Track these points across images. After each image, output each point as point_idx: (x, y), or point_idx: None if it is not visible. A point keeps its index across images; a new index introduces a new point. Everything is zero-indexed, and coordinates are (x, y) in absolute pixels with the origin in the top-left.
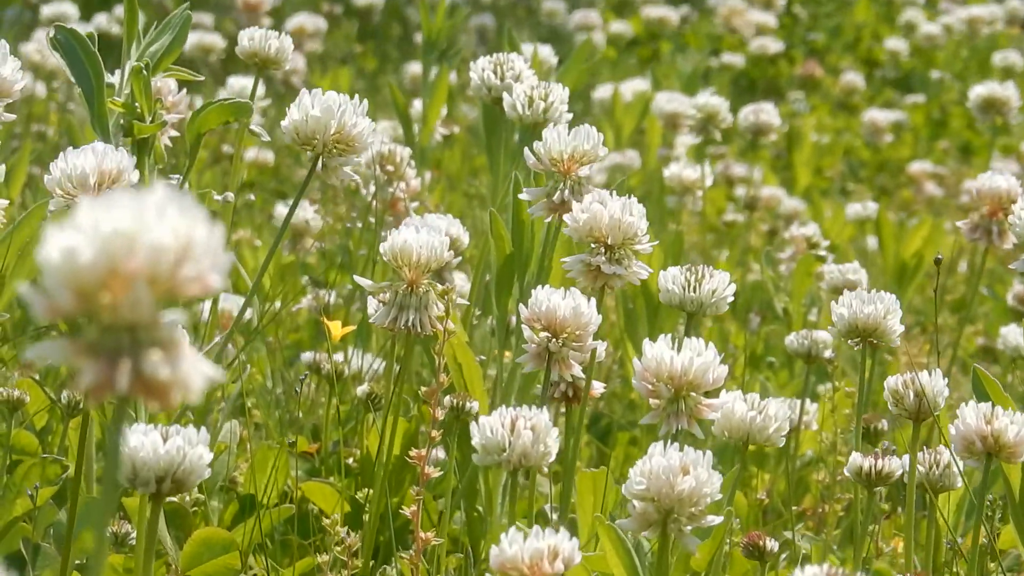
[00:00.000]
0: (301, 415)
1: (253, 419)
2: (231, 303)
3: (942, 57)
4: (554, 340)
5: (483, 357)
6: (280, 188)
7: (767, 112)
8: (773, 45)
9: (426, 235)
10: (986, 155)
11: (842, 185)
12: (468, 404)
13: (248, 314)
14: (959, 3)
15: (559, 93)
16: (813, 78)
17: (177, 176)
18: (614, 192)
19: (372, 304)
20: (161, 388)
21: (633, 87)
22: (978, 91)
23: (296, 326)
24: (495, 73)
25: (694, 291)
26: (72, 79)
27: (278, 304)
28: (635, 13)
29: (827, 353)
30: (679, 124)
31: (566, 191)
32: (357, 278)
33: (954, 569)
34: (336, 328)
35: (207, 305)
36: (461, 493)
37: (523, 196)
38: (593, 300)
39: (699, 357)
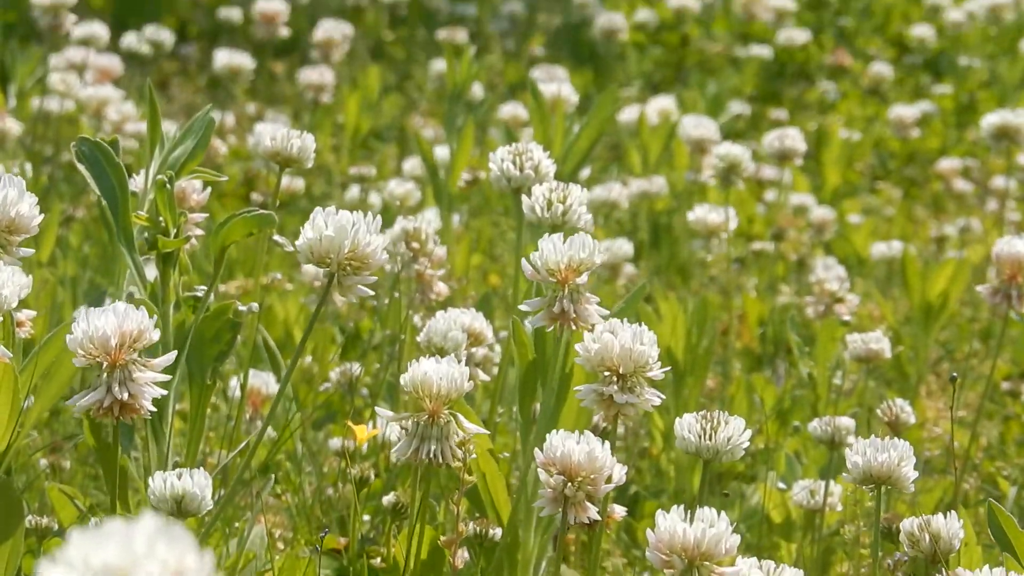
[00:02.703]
0: (327, 515)
1: (282, 503)
2: (260, 380)
3: (971, 40)
4: (569, 485)
5: (507, 455)
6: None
7: (792, 137)
8: (800, 36)
9: (446, 366)
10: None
11: (872, 181)
12: (491, 531)
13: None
14: None
15: (578, 195)
16: (843, 67)
17: (202, 288)
18: (625, 320)
19: (394, 431)
20: None
21: (659, 106)
22: (991, 120)
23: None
24: (514, 164)
25: (710, 439)
26: (96, 191)
27: (309, 359)
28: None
29: (850, 439)
30: (706, 149)
31: (565, 300)
32: (378, 409)
33: None
34: (361, 432)
35: (235, 381)
36: None
37: (523, 307)
38: (607, 444)
39: (711, 528)
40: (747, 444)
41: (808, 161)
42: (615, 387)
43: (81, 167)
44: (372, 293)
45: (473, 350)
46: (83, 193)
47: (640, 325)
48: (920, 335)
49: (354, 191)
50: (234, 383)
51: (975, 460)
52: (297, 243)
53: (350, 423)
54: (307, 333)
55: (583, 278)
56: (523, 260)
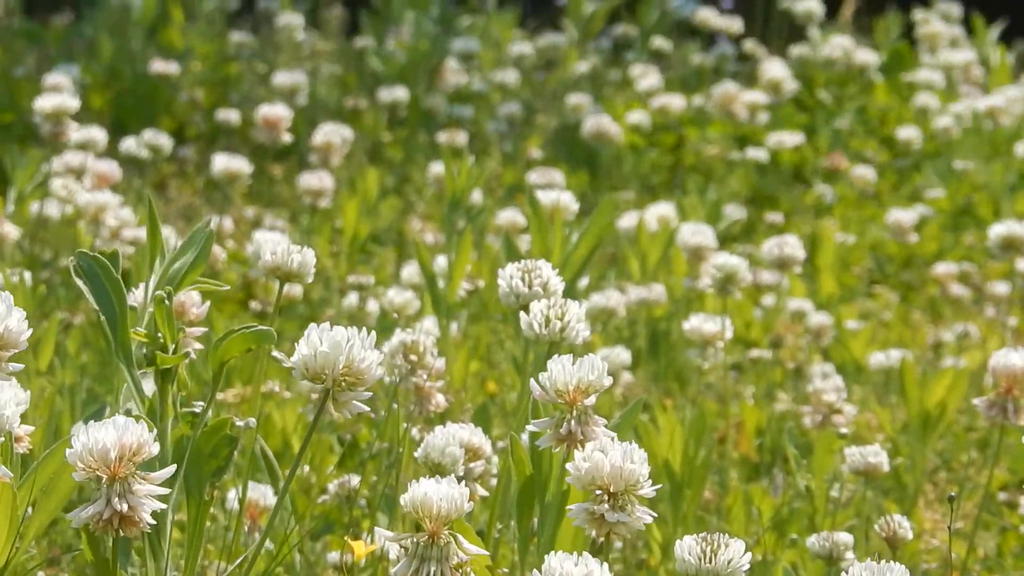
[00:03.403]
0: None
1: None
2: (258, 492)
3: (963, 142)
4: None
5: (505, 570)
6: (312, 315)
7: (791, 245)
8: (790, 139)
9: (446, 487)
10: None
11: (868, 285)
12: None
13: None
14: (977, 86)
15: (576, 311)
16: (838, 170)
17: (200, 403)
18: (615, 438)
19: (393, 548)
20: None
21: (658, 213)
22: (998, 231)
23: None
24: (523, 280)
25: (710, 562)
26: (95, 307)
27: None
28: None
29: (848, 555)
30: (704, 256)
31: (572, 422)
32: (378, 530)
33: None
34: (360, 548)
35: (233, 493)
36: None
37: (530, 427)
38: (605, 566)
39: None
40: (747, 567)
41: (804, 265)
42: (606, 506)
43: (80, 282)
44: (367, 409)
45: (471, 465)
46: (81, 299)
47: (631, 444)
48: (917, 445)
49: (352, 298)
50: (232, 495)
51: (973, 572)
52: (292, 359)
53: (348, 539)
54: (304, 446)
55: (591, 400)
56: (531, 380)
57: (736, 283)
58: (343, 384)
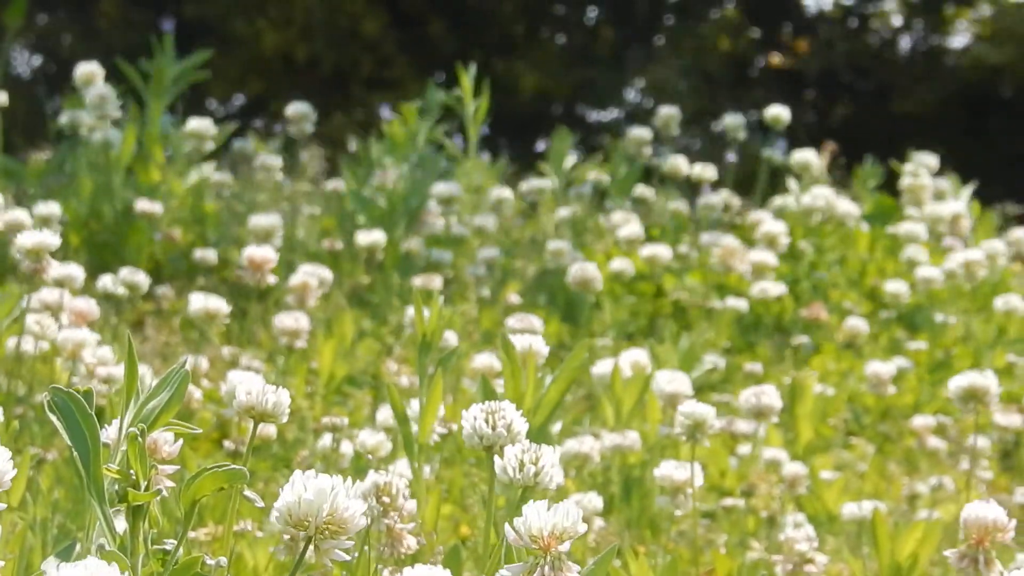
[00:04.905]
0: None
1: None
2: None
3: (944, 295)
4: None
5: None
6: (285, 455)
7: (768, 395)
8: (774, 289)
9: None
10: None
11: (845, 436)
12: None
13: None
14: (960, 239)
15: (550, 457)
16: (818, 321)
17: (171, 541)
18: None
19: None
20: None
21: (632, 359)
22: (958, 382)
23: None
24: (487, 422)
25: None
26: (69, 443)
27: None
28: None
29: None
30: (679, 404)
31: (547, 568)
32: None
33: None
34: None
35: None
36: None
37: (503, 573)
38: None
39: None
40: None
41: (782, 415)
42: None
43: (54, 418)
44: (348, 558)
45: None
46: (55, 435)
47: None
48: None
49: (326, 439)
50: None
51: None
52: (275, 505)
53: None
54: None
55: (566, 546)
56: (506, 525)
57: (704, 432)
58: (326, 533)
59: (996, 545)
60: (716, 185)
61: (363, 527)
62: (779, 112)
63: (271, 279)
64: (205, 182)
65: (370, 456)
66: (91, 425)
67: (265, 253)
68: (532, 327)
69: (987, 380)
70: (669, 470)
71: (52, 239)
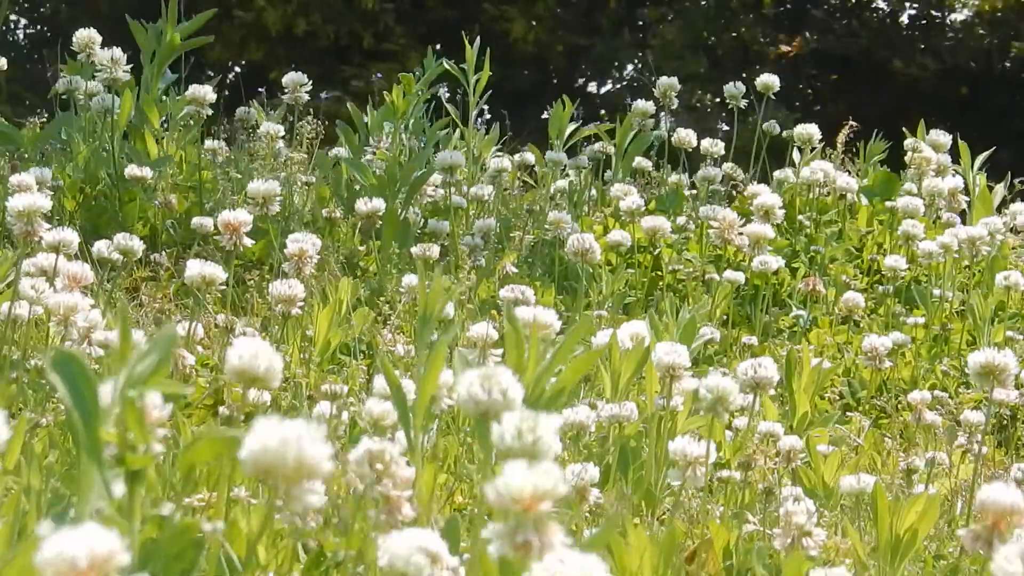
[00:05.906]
0: None
1: None
2: None
3: (944, 270)
4: None
5: None
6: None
7: (766, 367)
8: (775, 262)
9: None
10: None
11: (843, 409)
12: None
13: None
14: (957, 212)
15: (548, 425)
16: (815, 293)
17: (169, 505)
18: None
19: None
20: None
21: (632, 331)
22: (976, 358)
23: None
24: (482, 387)
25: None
26: (69, 405)
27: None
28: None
29: None
30: (677, 376)
31: (530, 530)
32: None
33: None
34: None
35: None
36: None
37: (484, 534)
38: None
39: None
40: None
41: (778, 388)
42: None
43: (54, 379)
44: (319, 505)
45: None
46: (49, 399)
47: (593, 556)
48: (886, 570)
49: (323, 407)
50: None
51: None
52: (239, 456)
53: None
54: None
55: (548, 506)
56: (486, 485)
57: (726, 405)
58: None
59: (1011, 529)
60: (720, 160)
61: (329, 474)
62: (769, 80)
63: (247, 241)
64: (202, 148)
65: (371, 426)
66: (91, 387)
67: (240, 216)
68: (525, 298)
69: (1006, 357)
70: (682, 444)
71: (43, 201)
